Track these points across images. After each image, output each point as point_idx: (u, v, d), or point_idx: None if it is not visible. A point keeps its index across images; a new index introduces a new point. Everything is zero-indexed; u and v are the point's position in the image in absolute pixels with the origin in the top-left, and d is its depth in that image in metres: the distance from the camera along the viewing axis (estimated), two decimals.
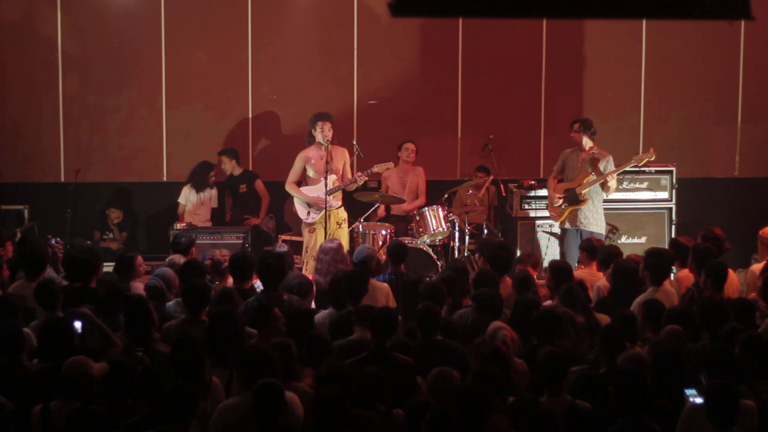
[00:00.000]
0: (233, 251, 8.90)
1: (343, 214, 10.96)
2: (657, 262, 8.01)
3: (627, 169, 10.70)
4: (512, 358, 6.52)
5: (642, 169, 11.33)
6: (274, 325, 6.82)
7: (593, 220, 10.64)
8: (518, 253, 11.25)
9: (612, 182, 10.48)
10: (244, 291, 7.86)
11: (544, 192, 11.41)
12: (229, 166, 11.95)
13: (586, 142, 10.64)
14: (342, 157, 10.91)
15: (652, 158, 10.56)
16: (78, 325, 6.81)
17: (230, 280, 8.43)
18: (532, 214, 11.56)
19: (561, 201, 10.64)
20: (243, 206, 11.90)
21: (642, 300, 7.60)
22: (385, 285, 8.28)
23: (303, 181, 11.01)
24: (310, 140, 10.90)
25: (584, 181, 10.56)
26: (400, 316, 7.65)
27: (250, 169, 12.27)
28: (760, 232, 9.10)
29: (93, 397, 5.74)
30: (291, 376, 6.03)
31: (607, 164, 10.59)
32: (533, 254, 9.46)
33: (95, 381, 5.77)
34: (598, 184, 10.52)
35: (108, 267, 10.50)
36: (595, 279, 8.53)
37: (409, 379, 6.19)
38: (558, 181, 10.80)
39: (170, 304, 7.78)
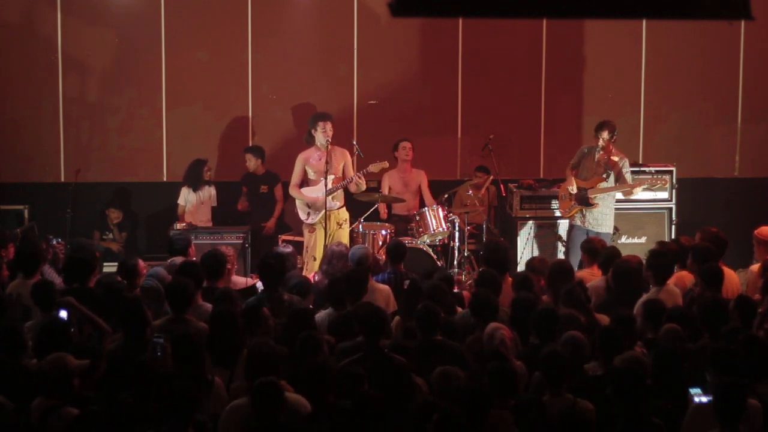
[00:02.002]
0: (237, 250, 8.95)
1: (344, 214, 10.96)
2: (659, 261, 8.02)
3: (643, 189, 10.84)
4: (511, 358, 6.52)
5: (642, 169, 11.35)
6: (264, 324, 6.83)
7: (602, 221, 10.67)
8: (519, 254, 11.31)
9: (637, 191, 10.63)
10: (212, 290, 7.86)
11: (544, 192, 11.43)
12: (254, 164, 11.95)
13: (606, 144, 10.64)
14: (342, 158, 10.91)
15: (665, 185, 10.86)
16: (63, 314, 6.84)
17: (232, 279, 8.47)
18: (533, 214, 11.55)
19: (573, 193, 10.66)
20: (261, 207, 11.89)
21: (644, 300, 7.61)
22: (386, 287, 8.29)
23: (303, 182, 11.00)
24: (309, 140, 10.91)
25: (597, 186, 10.59)
26: (399, 316, 7.69)
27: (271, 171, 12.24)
28: (756, 232, 9.12)
29: (73, 394, 5.75)
30: None
31: (623, 168, 10.62)
32: (544, 260, 9.42)
33: (74, 377, 5.77)
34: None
35: (108, 267, 10.53)
36: (596, 278, 8.52)
37: (405, 379, 6.19)
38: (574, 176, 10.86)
39: None
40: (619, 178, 10.61)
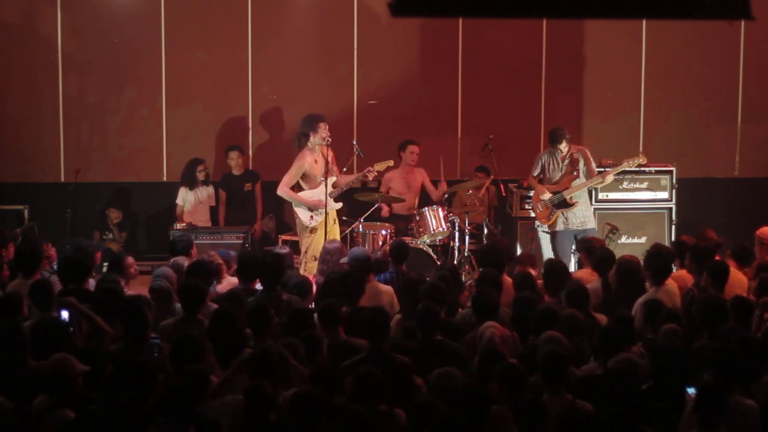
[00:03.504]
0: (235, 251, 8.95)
1: (334, 210, 10.87)
2: (657, 261, 8.02)
3: (615, 174, 10.86)
4: (506, 356, 6.53)
5: (642, 169, 11.35)
6: (271, 325, 6.84)
7: (585, 219, 10.75)
8: (519, 253, 11.32)
9: (609, 178, 10.67)
10: (250, 291, 7.85)
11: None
12: (240, 162, 11.92)
13: (567, 147, 10.71)
14: (330, 155, 10.82)
15: (644, 161, 10.79)
16: (65, 314, 6.84)
17: (227, 281, 8.47)
18: (532, 214, 11.55)
19: (548, 201, 10.68)
20: (242, 206, 11.87)
21: (643, 300, 7.61)
22: (389, 288, 8.28)
23: (298, 186, 10.81)
24: (302, 143, 10.67)
25: (571, 185, 10.63)
26: (400, 315, 7.69)
27: (250, 168, 12.27)
28: (758, 232, 9.12)
29: (76, 395, 5.75)
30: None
31: (586, 159, 10.73)
32: (532, 255, 9.48)
33: (78, 379, 5.78)
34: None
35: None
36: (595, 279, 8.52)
37: (407, 379, 6.20)
38: (539, 182, 10.90)
39: (179, 305, 7.76)
40: (588, 169, 10.67)
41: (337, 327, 6.90)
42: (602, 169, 10.99)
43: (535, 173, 10.92)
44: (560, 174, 10.75)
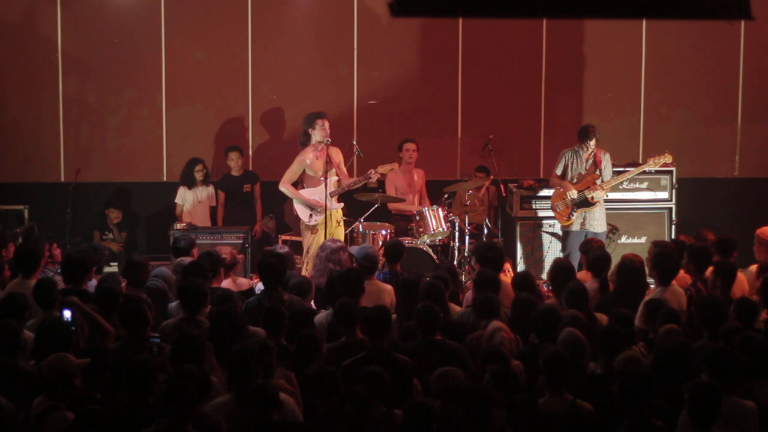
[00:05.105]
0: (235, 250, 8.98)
1: (340, 212, 10.92)
2: (665, 261, 8.02)
3: (646, 169, 10.94)
4: (510, 359, 6.53)
5: (643, 169, 11.36)
6: (283, 325, 6.85)
7: (601, 221, 10.75)
8: (519, 253, 11.34)
9: (633, 174, 10.89)
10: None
11: (544, 192, 11.42)
12: (240, 162, 11.90)
13: (595, 144, 10.71)
14: (337, 156, 10.86)
15: (669, 160, 10.77)
16: (67, 314, 6.84)
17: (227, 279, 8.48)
18: (533, 214, 11.56)
19: (570, 200, 10.65)
20: (242, 207, 11.87)
21: (647, 299, 7.62)
22: (391, 288, 8.28)
23: (300, 183, 10.94)
24: (305, 141, 10.80)
25: (597, 185, 10.60)
26: (395, 315, 7.69)
27: (250, 169, 12.27)
28: (758, 231, 9.11)
29: (75, 394, 5.75)
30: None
31: (608, 163, 10.72)
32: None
33: (76, 377, 5.78)
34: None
35: (108, 267, 10.53)
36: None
37: (407, 379, 6.20)
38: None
39: (172, 305, 7.78)
40: (608, 167, 10.70)
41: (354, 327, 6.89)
42: (621, 169, 11.00)
43: (559, 171, 10.85)
44: (583, 173, 10.73)
